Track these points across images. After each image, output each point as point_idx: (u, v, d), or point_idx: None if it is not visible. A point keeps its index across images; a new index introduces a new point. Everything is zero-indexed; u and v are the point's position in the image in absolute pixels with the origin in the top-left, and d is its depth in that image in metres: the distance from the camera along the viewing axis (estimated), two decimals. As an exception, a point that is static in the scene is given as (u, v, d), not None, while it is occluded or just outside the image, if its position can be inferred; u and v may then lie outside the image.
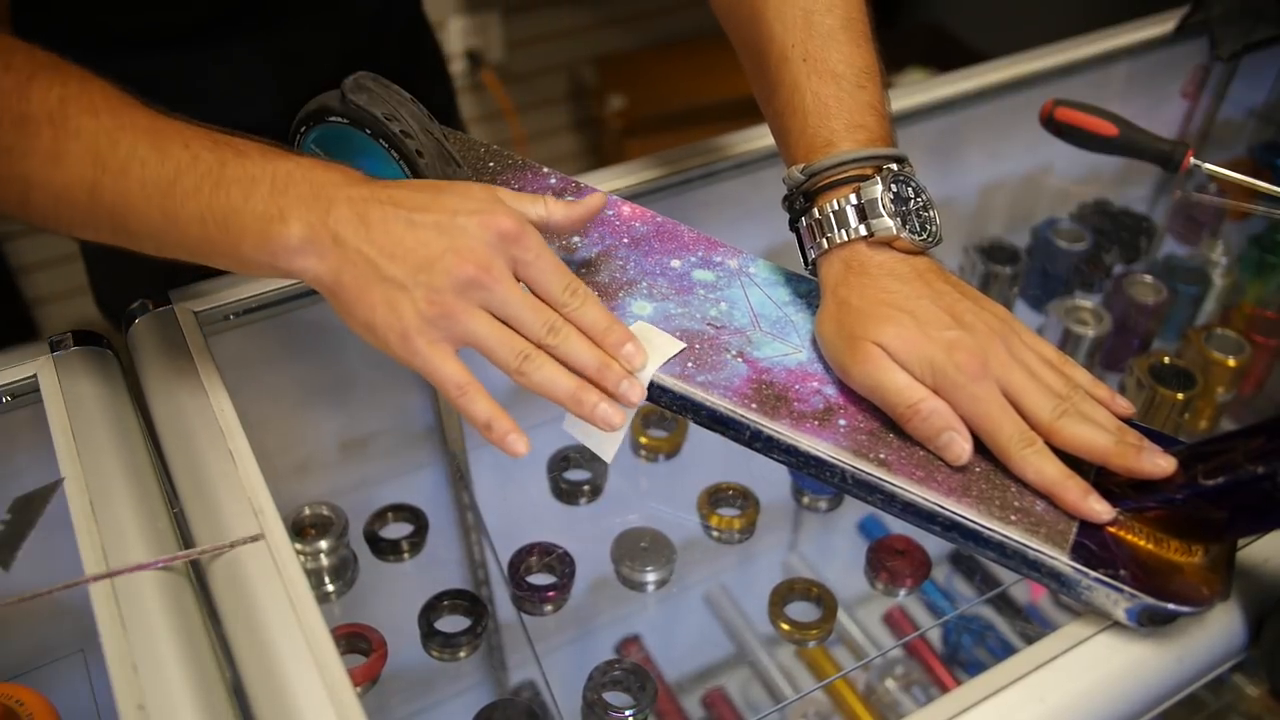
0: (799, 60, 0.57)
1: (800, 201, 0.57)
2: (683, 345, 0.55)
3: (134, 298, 0.65)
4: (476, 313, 0.50)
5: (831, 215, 0.54)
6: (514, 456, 0.50)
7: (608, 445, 0.54)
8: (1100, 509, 0.49)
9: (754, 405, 0.53)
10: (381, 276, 0.49)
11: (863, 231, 0.54)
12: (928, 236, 0.55)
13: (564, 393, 0.51)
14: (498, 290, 0.50)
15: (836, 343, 0.53)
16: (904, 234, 0.53)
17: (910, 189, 0.55)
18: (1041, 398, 0.51)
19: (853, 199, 0.54)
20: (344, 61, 0.80)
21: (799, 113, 0.57)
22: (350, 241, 0.49)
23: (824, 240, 0.55)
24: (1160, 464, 0.49)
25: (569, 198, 0.63)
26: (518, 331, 0.51)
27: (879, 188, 0.53)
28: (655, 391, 0.54)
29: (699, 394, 0.53)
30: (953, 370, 0.50)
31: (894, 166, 0.55)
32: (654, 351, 0.54)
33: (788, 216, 0.58)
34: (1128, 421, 0.54)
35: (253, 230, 0.49)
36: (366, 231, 0.49)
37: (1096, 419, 0.51)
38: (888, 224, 0.53)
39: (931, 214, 0.55)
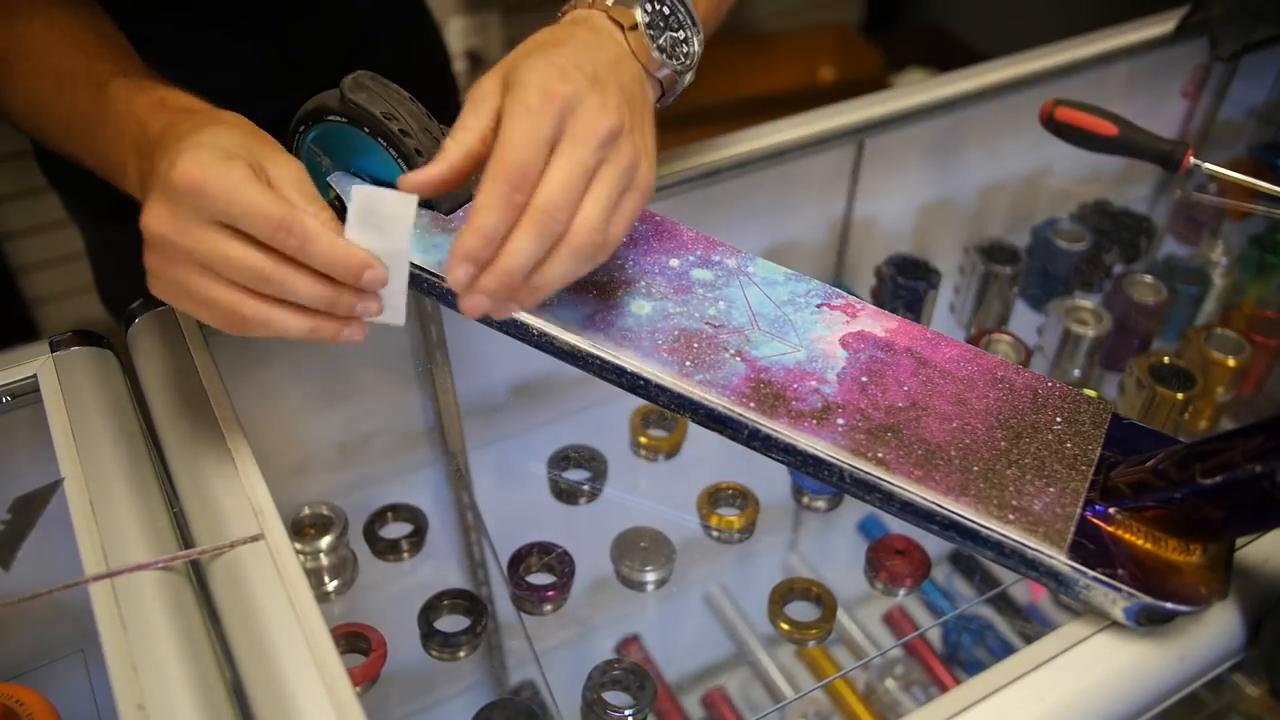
0: None
1: None
2: (414, 198, 0.49)
3: (138, 292, 0.65)
4: (180, 270, 0.47)
5: None
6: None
7: (388, 315, 0.51)
8: (460, 275, 0.45)
9: (752, 404, 0.53)
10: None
11: (607, 2, 0.52)
12: (671, 60, 0.53)
13: (297, 332, 0.48)
14: (186, 243, 0.46)
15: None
16: (644, 34, 0.52)
17: (681, 16, 0.53)
18: (560, 191, 0.46)
19: None
20: (343, 60, 0.80)
21: None
22: (140, 195, 0.50)
23: (568, 4, 0.54)
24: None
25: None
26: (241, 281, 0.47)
27: None
28: (655, 391, 0.54)
29: (697, 393, 0.53)
30: (536, 89, 0.46)
31: None
32: (391, 225, 0.49)
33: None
34: (1130, 423, 0.54)
35: (117, 173, 0.54)
36: (142, 191, 0.49)
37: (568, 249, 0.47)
38: (631, 6, 0.51)
39: (689, 49, 0.54)
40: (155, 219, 0.46)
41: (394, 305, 0.50)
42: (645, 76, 0.53)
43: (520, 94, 0.46)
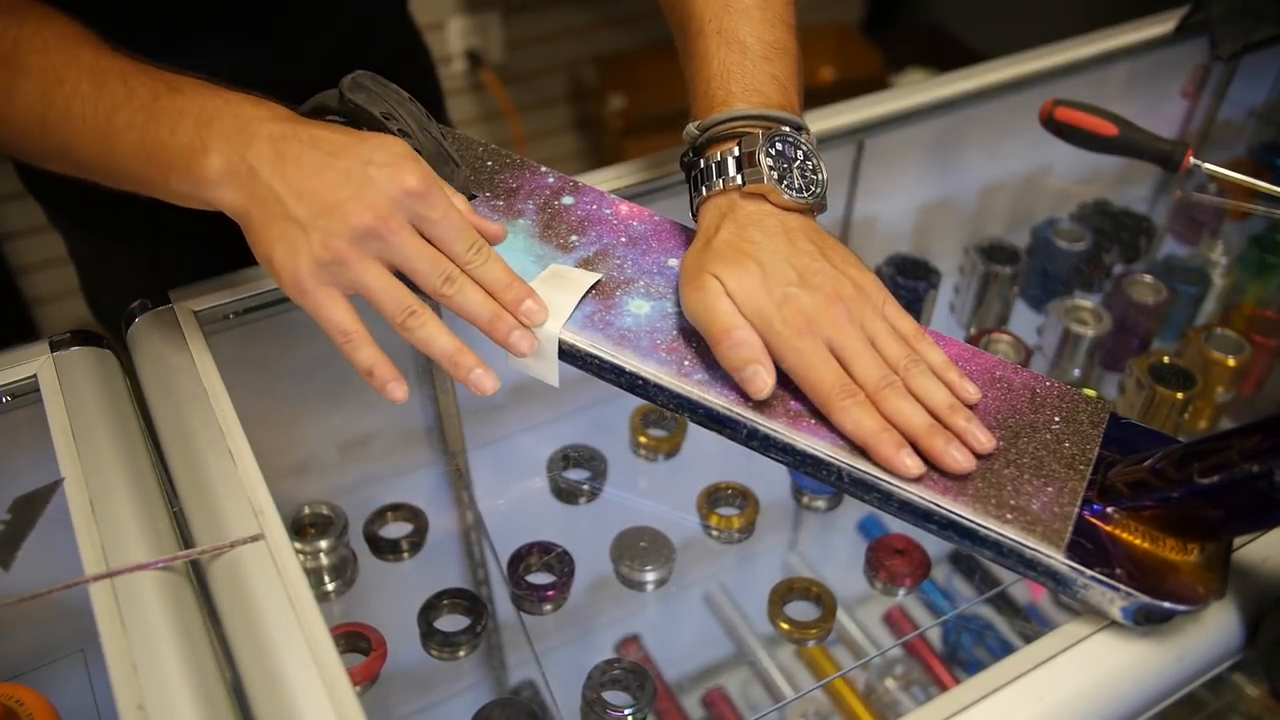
0: (713, 33, 0.60)
1: (690, 155, 0.60)
2: (598, 276, 0.58)
3: (126, 303, 0.65)
4: (370, 263, 0.51)
5: (713, 165, 0.57)
6: (394, 402, 0.52)
7: (541, 371, 0.56)
8: (911, 464, 0.49)
9: (751, 404, 0.53)
10: (286, 214, 0.50)
11: (739, 181, 0.56)
12: (809, 195, 0.56)
13: (441, 352, 0.53)
14: (394, 241, 0.51)
15: (683, 275, 0.56)
16: (779, 188, 0.55)
17: (799, 151, 0.57)
18: (871, 366, 0.52)
19: (735, 151, 0.56)
20: (332, 62, 0.80)
21: (704, 78, 0.60)
22: (263, 176, 0.50)
23: (704, 188, 0.57)
24: (958, 460, 0.50)
25: (566, 199, 0.63)
26: (417, 282, 0.53)
27: (760, 142, 0.55)
28: (654, 391, 0.54)
29: (696, 393, 0.53)
30: (779, 323, 0.52)
31: (785, 129, 0.57)
32: (568, 289, 0.56)
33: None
34: (1129, 422, 0.54)
35: (179, 162, 0.51)
36: (280, 168, 0.50)
37: (927, 397, 0.52)
38: (762, 175, 0.55)
39: (819, 176, 0.57)
40: (365, 214, 0.50)
41: (547, 357, 0.56)
42: (805, 214, 0.57)
43: (778, 333, 0.52)
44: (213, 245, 0.63)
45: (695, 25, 0.61)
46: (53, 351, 0.61)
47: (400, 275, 0.53)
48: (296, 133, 0.51)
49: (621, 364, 0.55)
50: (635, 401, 0.77)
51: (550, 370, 0.56)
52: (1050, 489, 0.50)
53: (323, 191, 0.50)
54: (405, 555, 0.74)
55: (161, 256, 0.82)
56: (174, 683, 0.44)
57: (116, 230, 0.84)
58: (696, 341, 0.55)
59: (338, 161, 0.51)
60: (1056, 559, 0.47)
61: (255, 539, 0.50)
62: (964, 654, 0.86)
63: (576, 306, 0.56)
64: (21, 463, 0.63)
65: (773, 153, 0.56)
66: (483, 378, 0.53)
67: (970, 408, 0.53)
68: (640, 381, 0.55)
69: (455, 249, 0.53)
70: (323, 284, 0.51)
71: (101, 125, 0.52)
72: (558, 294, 0.56)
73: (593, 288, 0.57)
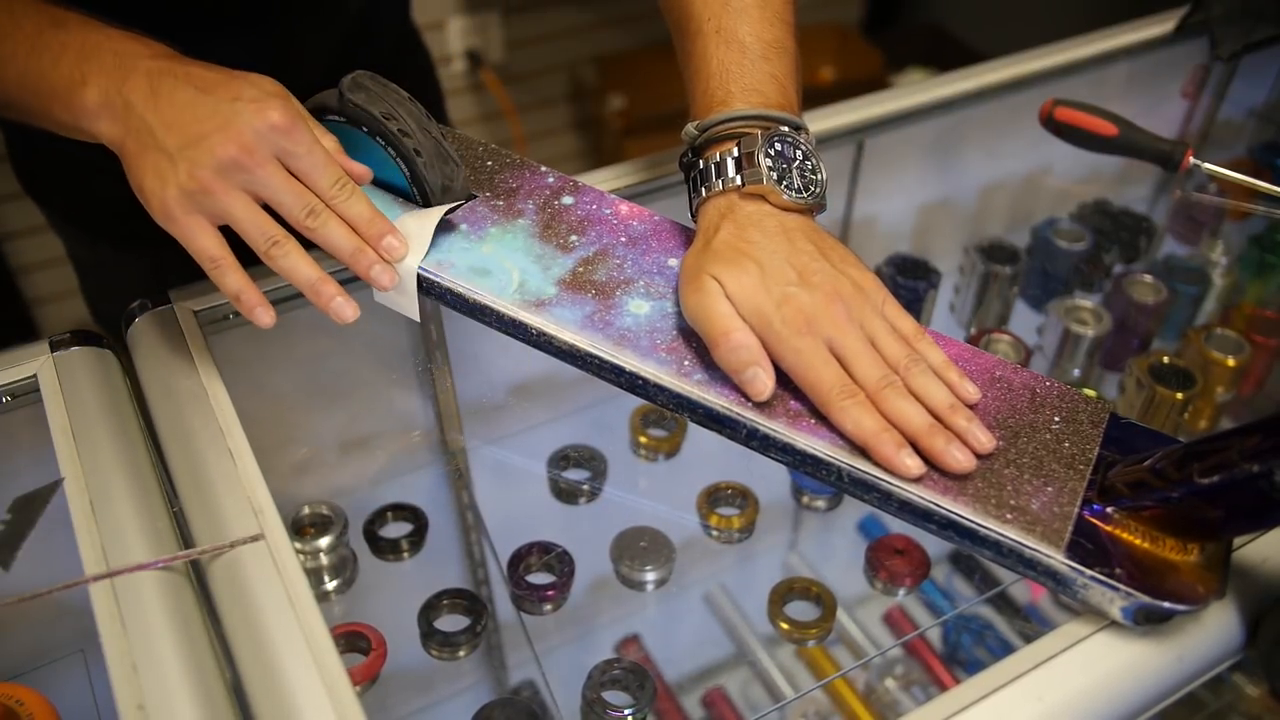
0: (711, 33, 0.60)
1: (689, 155, 0.60)
2: (445, 208, 0.59)
3: (124, 306, 0.66)
4: (235, 193, 0.52)
5: (713, 166, 0.57)
6: (262, 327, 0.54)
7: (402, 305, 0.58)
8: (911, 464, 0.50)
9: (751, 404, 0.53)
10: (157, 145, 0.52)
11: (738, 182, 0.56)
12: (808, 196, 0.56)
13: (304, 280, 0.54)
14: (258, 173, 0.52)
15: (682, 276, 0.56)
16: (778, 188, 0.55)
17: (798, 151, 0.57)
18: (871, 365, 0.52)
19: (734, 151, 0.56)
20: (331, 61, 0.80)
21: (703, 77, 0.60)
22: (137, 109, 0.52)
23: (704, 189, 0.57)
24: (959, 460, 0.50)
25: (566, 199, 0.63)
26: (282, 214, 0.54)
27: (759, 142, 0.56)
28: (654, 391, 0.54)
29: (696, 393, 0.53)
30: (778, 323, 0.52)
31: (784, 129, 0.57)
32: (425, 220, 0.58)
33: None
34: (1129, 422, 0.54)
35: (60, 93, 0.53)
36: (154, 101, 0.52)
37: (927, 397, 0.52)
38: (761, 175, 0.55)
39: (818, 176, 0.57)
40: (229, 145, 0.51)
41: (407, 291, 0.57)
42: (804, 215, 0.57)
43: (778, 333, 0.52)
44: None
45: (694, 25, 0.61)
46: (53, 351, 0.61)
47: (269, 209, 0.54)
48: (172, 69, 0.53)
49: (621, 364, 0.55)
50: (635, 401, 0.77)
51: (410, 305, 0.58)
52: (1050, 489, 0.50)
53: (191, 124, 0.51)
54: (405, 555, 0.74)
55: (163, 263, 0.82)
56: (174, 683, 0.44)
57: (118, 237, 0.84)
58: (696, 341, 0.55)
59: (208, 97, 0.52)
60: (1056, 559, 0.47)
61: (255, 539, 0.50)
62: (964, 654, 0.86)
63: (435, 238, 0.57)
64: (21, 463, 0.63)
65: (772, 153, 0.56)
66: (343, 306, 0.54)
67: (970, 408, 0.53)
68: (640, 381, 0.55)
69: (319, 184, 0.54)
70: (189, 212, 0.52)
71: None
72: (416, 226, 0.58)
73: (450, 212, 0.59)
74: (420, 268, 0.57)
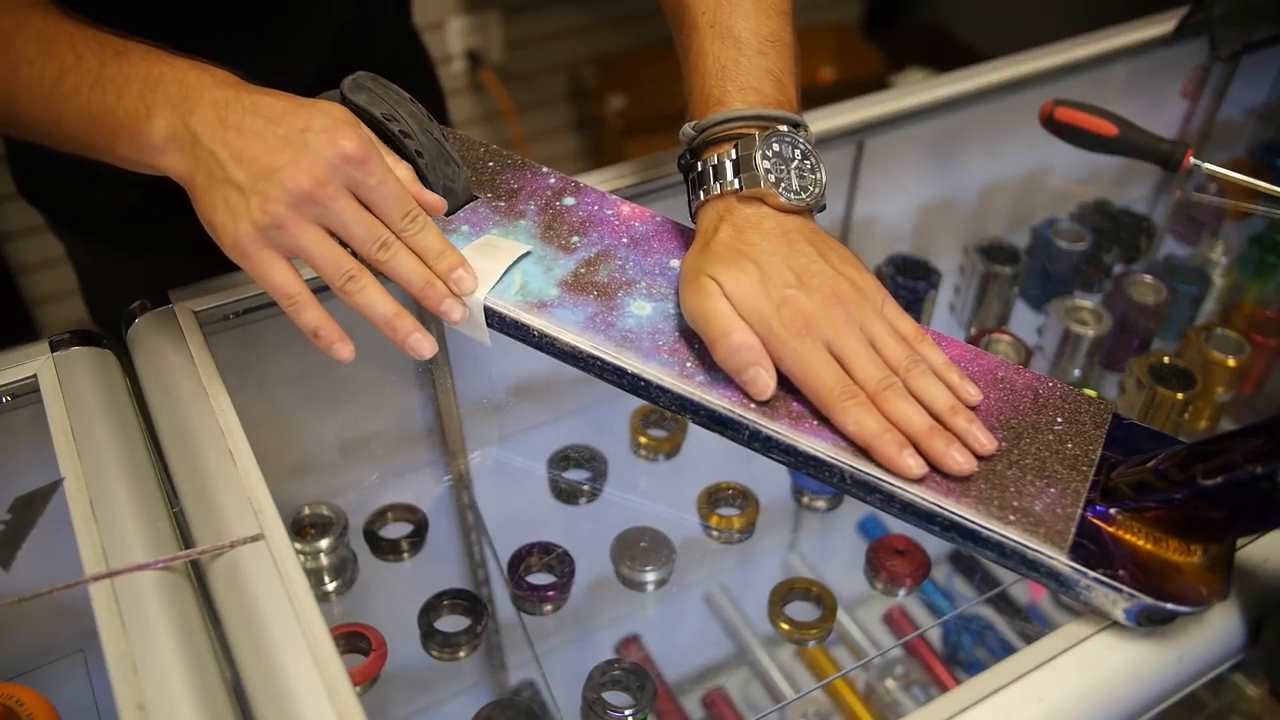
0: (707, 28, 0.60)
1: (688, 157, 0.59)
2: (527, 249, 0.59)
3: (124, 307, 0.66)
4: (308, 226, 0.52)
5: (711, 169, 0.57)
6: (340, 361, 0.53)
7: (473, 333, 0.58)
8: (913, 464, 0.49)
9: (753, 405, 0.53)
10: (227, 179, 0.51)
11: (736, 185, 0.56)
12: (806, 197, 0.56)
13: (380, 315, 0.54)
14: (331, 206, 0.52)
15: (682, 278, 0.56)
16: (776, 190, 0.55)
17: (796, 150, 0.56)
18: (871, 367, 0.52)
19: (732, 154, 0.56)
20: (328, 61, 0.80)
21: (700, 75, 0.59)
22: (205, 141, 0.51)
23: (701, 192, 0.57)
24: (960, 462, 0.50)
25: (568, 200, 0.63)
26: (353, 247, 0.53)
27: (756, 144, 0.55)
28: (656, 393, 0.54)
29: (698, 394, 0.53)
30: (778, 324, 0.52)
31: (782, 128, 0.56)
32: (497, 257, 0.58)
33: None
34: (1131, 423, 0.54)
35: (124, 128, 0.52)
36: (222, 133, 0.51)
37: (928, 398, 0.52)
38: (759, 179, 0.55)
39: (816, 176, 0.57)
40: (302, 178, 0.50)
41: (477, 323, 0.57)
42: (803, 215, 0.57)
43: (777, 335, 0.52)
44: (216, 256, 0.63)
45: (689, 20, 0.61)
46: (53, 351, 0.61)
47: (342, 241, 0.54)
48: (239, 99, 0.52)
49: (624, 365, 0.55)
50: (635, 401, 0.77)
51: (480, 334, 0.58)
52: (1053, 490, 0.50)
53: (262, 156, 0.51)
54: (405, 555, 0.74)
55: (162, 266, 0.82)
56: (174, 683, 0.44)
57: (117, 241, 0.84)
58: (698, 343, 0.55)
59: (278, 127, 0.51)
60: (1059, 560, 0.47)
61: (255, 539, 0.50)
62: (964, 654, 0.86)
63: (505, 274, 0.58)
64: (21, 463, 0.63)
65: (770, 154, 0.55)
66: (420, 341, 0.54)
67: (972, 409, 0.53)
68: (642, 383, 0.54)
69: (391, 215, 0.54)
70: (263, 248, 0.52)
71: (49, 90, 0.52)
72: (487, 262, 0.58)
73: (522, 258, 0.59)
74: (489, 300, 0.57)
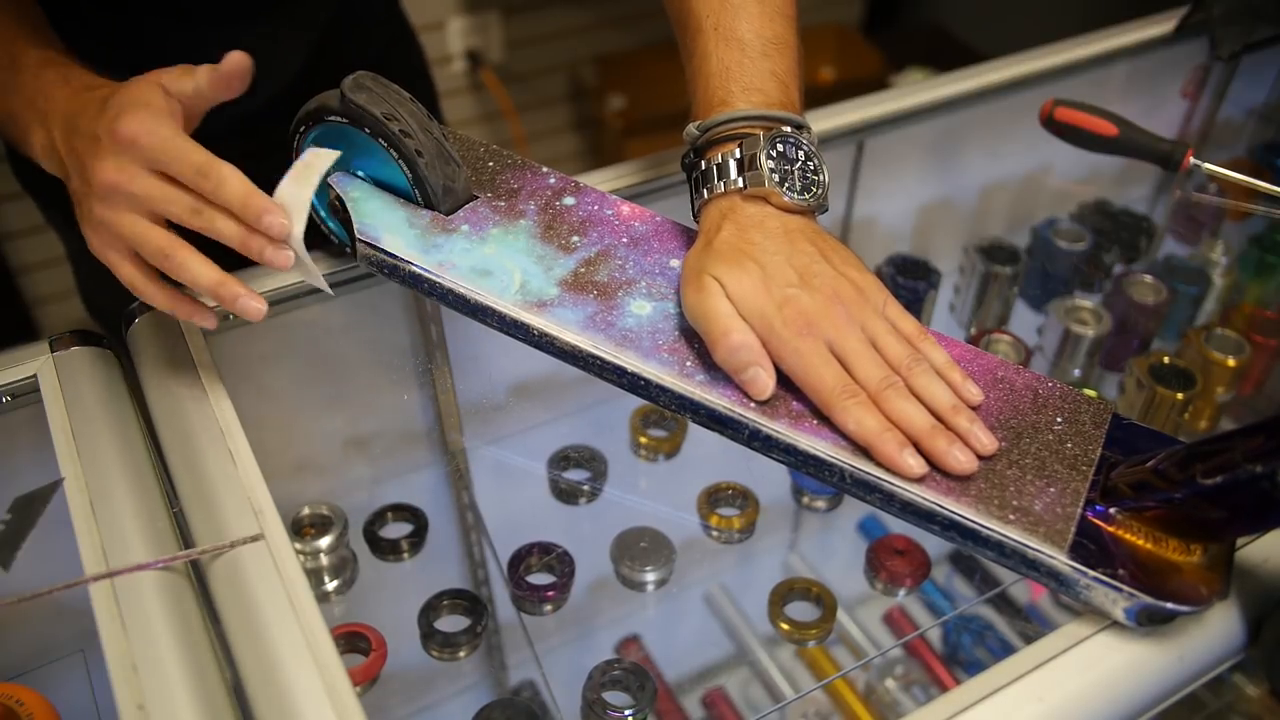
0: (711, 30, 0.60)
1: (691, 156, 0.60)
2: (337, 153, 0.57)
3: (122, 298, 0.65)
4: (124, 215, 0.52)
5: (714, 168, 0.57)
6: (251, 318, 0.53)
7: (309, 278, 0.57)
8: (914, 464, 0.49)
9: (753, 404, 0.53)
10: (73, 188, 0.55)
11: (740, 184, 0.56)
12: (810, 197, 0.56)
13: (206, 285, 0.53)
14: (134, 190, 0.52)
15: (683, 277, 0.56)
16: (779, 190, 0.55)
17: (800, 151, 0.57)
18: (872, 366, 0.52)
19: (736, 153, 0.56)
20: (315, 58, 0.80)
21: (704, 76, 0.60)
22: (61, 153, 0.55)
23: (705, 190, 0.58)
24: (961, 461, 0.50)
25: (568, 200, 0.63)
26: (175, 220, 0.53)
27: (761, 143, 0.55)
28: (656, 392, 0.54)
29: (698, 394, 0.53)
30: (779, 324, 0.52)
31: (786, 129, 0.57)
32: (307, 178, 0.55)
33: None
34: (1131, 423, 0.54)
35: (21, 135, 0.57)
36: (69, 144, 0.54)
37: (930, 397, 0.52)
38: (763, 178, 0.55)
39: (820, 177, 0.57)
40: (104, 170, 0.51)
41: (304, 262, 0.54)
42: (806, 216, 0.57)
43: (779, 335, 0.52)
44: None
45: (694, 23, 0.61)
46: (53, 351, 0.61)
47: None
48: (79, 108, 0.54)
49: (624, 365, 0.55)
50: (635, 401, 0.77)
51: (314, 274, 0.56)
52: (1053, 490, 0.50)
53: (86, 160, 0.53)
54: (405, 555, 0.74)
55: None
56: (174, 683, 0.44)
57: None
58: (699, 342, 0.55)
59: (89, 128, 0.53)
60: (1059, 560, 0.47)
61: (255, 539, 0.50)
62: (964, 654, 0.86)
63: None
64: (21, 463, 0.63)
65: (774, 154, 0.56)
66: (248, 302, 0.53)
67: (973, 409, 0.53)
68: (642, 383, 0.54)
69: (184, 177, 0.52)
70: (106, 245, 0.53)
71: None
72: (297, 187, 0.55)
73: (332, 169, 0.57)
74: (421, 267, 0.57)
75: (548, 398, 0.86)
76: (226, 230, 0.53)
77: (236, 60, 0.52)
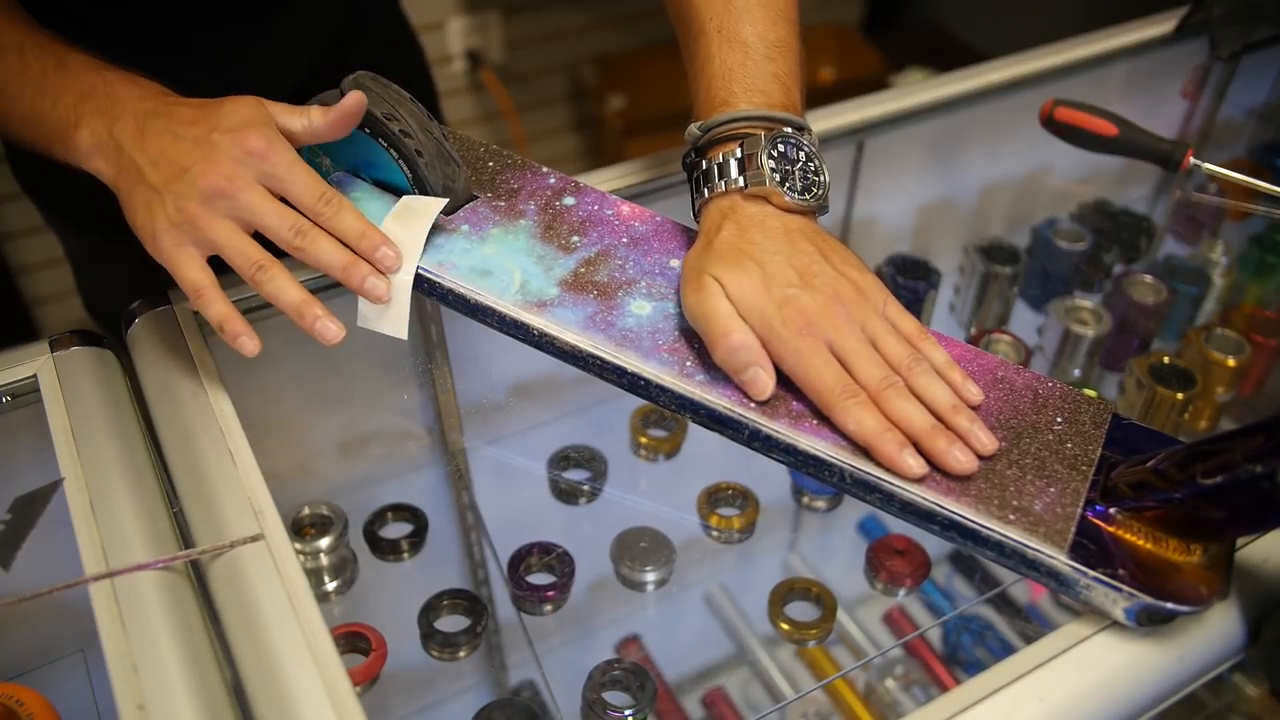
0: (714, 32, 0.60)
1: (692, 156, 0.60)
2: (445, 200, 0.59)
3: (121, 300, 0.66)
4: (220, 221, 0.53)
5: (716, 167, 0.57)
6: (246, 354, 0.54)
7: (389, 324, 0.58)
8: (914, 464, 0.49)
9: (752, 404, 0.53)
10: (145, 182, 0.54)
11: (740, 183, 0.56)
12: (810, 198, 0.57)
13: (288, 304, 0.54)
14: (241, 199, 0.53)
15: (683, 276, 0.56)
16: (780, 190, 0.55)
17: (801, 152, 0.57)
18: (872, 366, 0.52)
19: (737, 152, 0.56)
20: (319, 60, 0.80)
21: (706, 78, 0.60)
22: (127, 149, 0.54)
23: (706, 190, 0.58)
24: (961, 461, 0.50)
25: (568, 200, 0.63)
26: (270, 237, 0.54)
27: (762, 143, 0.56)
28: (656, 392, 0.54)
29: (698, 394, 0.53)
30: (779, 324, 0.52)
31: (787, 130, 0.57)
32: (418, 224, 0.57)
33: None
34: (1131, 423, 0.54)
35: (58, 134, 0.56)
36: (140, 141, 0.54)
37: (930, 397, 0.52)
38: (764, 177, 0.55)
39: (820, 178, 0.57)
40: (217, 174, 0.52)
41: (399, 304, 0.56)
42: (807, 216, 0.57)
43: (779, 335, 0.52)
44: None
45: (697, 25, 0.61)
46: (53, 351, 0.61)
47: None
48: (159, 109, 0.55)
49: (624, 365, 0.55)
50: (635, 401, 0.77)
51: (397, 323, 0.57)
52: (1053, 490, 0.50)
53: (176, 159, 0.53)
54: (405, 555, 0.74)
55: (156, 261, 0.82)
56: (174, 683, 0.44)
57: (111, 230, 0.84)
58: (698, 342, 0.55)
59: (190, 131, 0.54)
60: (1059, 560, 0.47)
61: (255, 539, 0.50)
62: (964, 654, 0.86)
63: (428, 242, 0.57)
64: (21, 463, 0.63)
65: (775, 154, 0.56)
66: (327, 326, 0.54)
67: (973, 408, 0.53)
68: (642, 382, 0.54)
69: (304, 201, 0.54)
70: (178, 244, 0.53)
71: None
72: (408, 233, 0.57)
73: (449, 210, 0.59)
74: (421, 267, 0.57)
75: (548, 398, 0.86)
76: (329, 254, 0.54)
77: (355, 100, 0.55)
